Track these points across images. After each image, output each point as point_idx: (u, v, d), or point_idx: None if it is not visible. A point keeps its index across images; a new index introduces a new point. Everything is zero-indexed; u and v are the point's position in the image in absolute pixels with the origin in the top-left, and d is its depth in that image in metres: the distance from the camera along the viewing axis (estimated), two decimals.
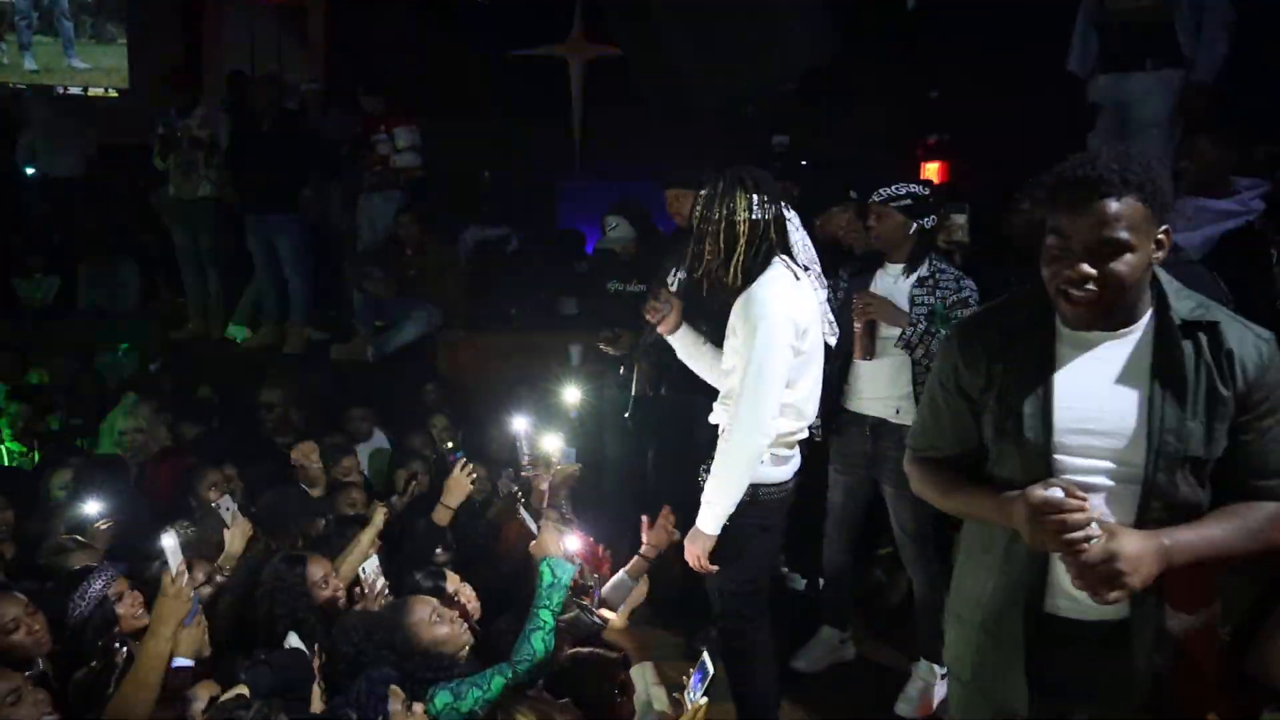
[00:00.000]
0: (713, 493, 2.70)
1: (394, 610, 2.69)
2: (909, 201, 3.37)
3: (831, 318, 2.91)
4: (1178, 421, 1.68)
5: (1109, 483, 1.74)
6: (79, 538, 3.15)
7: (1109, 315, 1.72)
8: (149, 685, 2.27)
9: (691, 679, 2.31)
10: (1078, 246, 1.65)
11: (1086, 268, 1.65)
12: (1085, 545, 1.61)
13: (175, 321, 6.61)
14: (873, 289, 3.46)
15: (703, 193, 2.72)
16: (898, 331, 3.36)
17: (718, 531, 2.72)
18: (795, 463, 2.88)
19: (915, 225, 3.39)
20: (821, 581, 4.18)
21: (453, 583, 2.97)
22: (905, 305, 3.38)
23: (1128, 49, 4.34)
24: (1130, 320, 1.73)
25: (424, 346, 6.12)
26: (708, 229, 2.69)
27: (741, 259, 2.68)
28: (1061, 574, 1.74)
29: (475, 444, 4.92)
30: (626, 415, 4.34)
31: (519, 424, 3.68)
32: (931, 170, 6.29)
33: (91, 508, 3.38)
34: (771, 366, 2.63)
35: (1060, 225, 1.67)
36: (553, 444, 3.80)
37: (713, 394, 4.00)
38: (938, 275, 3.38)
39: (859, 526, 3.69)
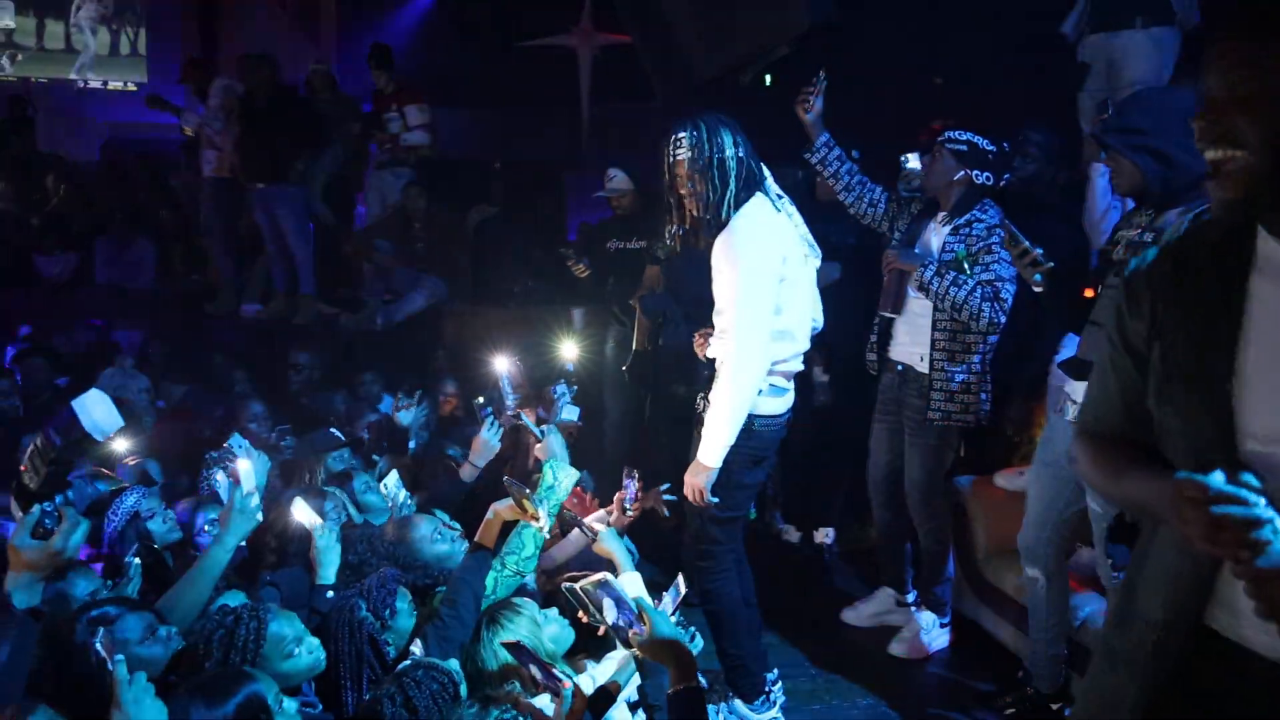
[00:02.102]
0: (713, 424, 2.74)
1: (399, 526, 2.79)
2: (964, 148, 3.34)
3: (812, 241, 2.98)
4: None
5: None
6: (106, 470, 3.25)
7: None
8: (202, 589, 2.32)
9: (665, 598, 2.41)
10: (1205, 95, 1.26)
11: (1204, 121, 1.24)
12: (1248, 551, 1.11)
13: (194, 298, 6.76)
14: (921, 238, 3.44)
15: (682, 135, 2.74)
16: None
17: (718, 464, 2.75)
18: (790, 397, 2.95)
19: (964, 173, 3.34)
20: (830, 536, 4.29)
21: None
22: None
23: (1118, 7, 4.39)
24: None
25: (431, 318, 6.24)
26: (697, 169, 2.75)
27: (734, 193, 2.75)
28: (1226, 580, 1.27)
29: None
30: (625, 369, 4.44)
31: (500, 364, 3.75)
32: None
33: (119, 444, 3.48)
34: (760, 294, 2.72)
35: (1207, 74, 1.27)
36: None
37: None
38: (973, 224, 3.31)
39: (899, 479, 3.62)
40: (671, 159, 2.78)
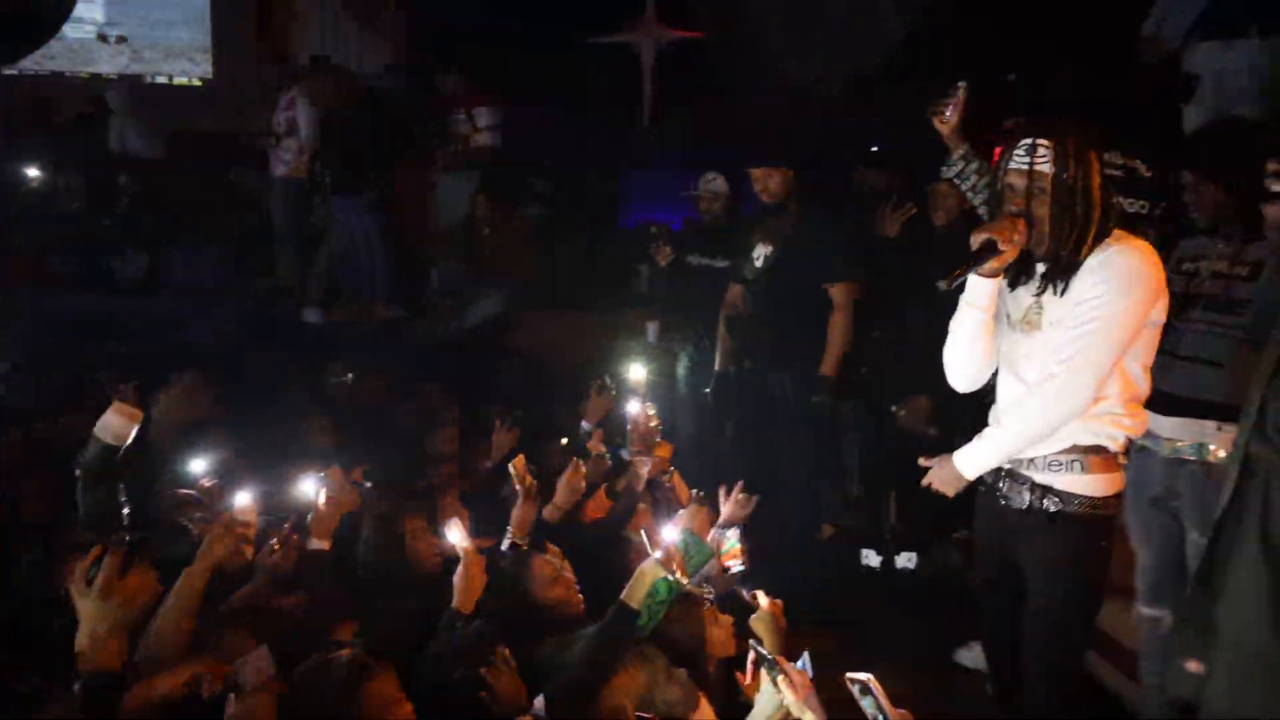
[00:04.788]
0: (1000, 433, 2.33)
1: (516, 562, 2.73)
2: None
3: None
4: None
5: None
6: (191, 492, 3.24)
7: None
8: (176, 612, 2.26)
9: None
10: None
11: None
12: None
13: (266, 300, 6.78)
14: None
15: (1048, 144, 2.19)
16: None
17: (971, 476, 2.39)
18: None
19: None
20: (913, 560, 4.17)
21: (555, 556, 2.86)
22: None
23: (1232, 14, 4.18)
24: None
25: (501, 324, 6.20)
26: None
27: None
28: None
29: (546, 422, 4.96)
30: (708, 390, 4.36)
31: (633, 406, 3.65)
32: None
33: (197, 465, 3.47)
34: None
35: None
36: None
37: (797, 370, 4.03)
38: None
39: None
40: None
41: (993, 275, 2.23)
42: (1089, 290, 2.17)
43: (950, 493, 2.42)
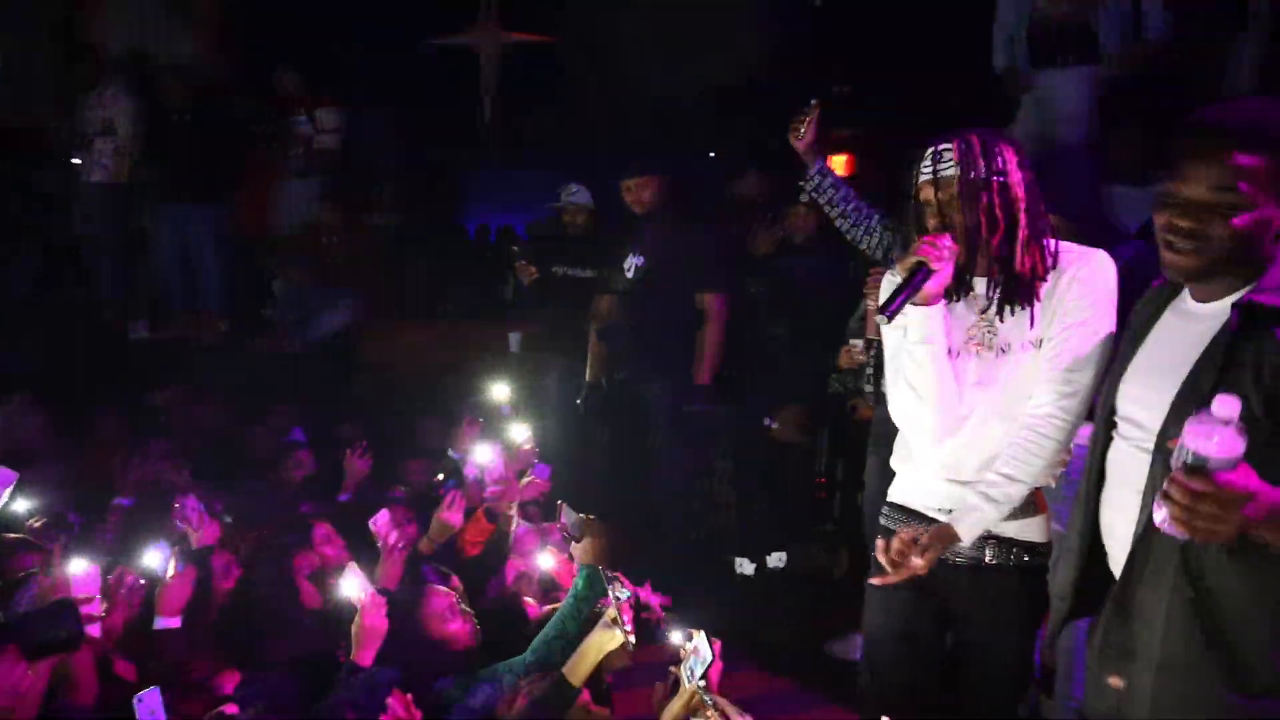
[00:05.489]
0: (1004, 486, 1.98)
1: (410, 597, 2.59)
2: None
3: None
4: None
5: None
6: (22, 536, 2.91)
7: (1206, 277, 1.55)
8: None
9: (689, 660, 2.18)
10: (1183, 198, 1.52)
11: (1186, 222, 1.51)
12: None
13: (74, 314, 6.17)
14: None
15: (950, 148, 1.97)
16: None
17: (970, 541, 2.02)
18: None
19: None
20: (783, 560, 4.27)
21: (451, 589, 2.78)
22: None
23: (1049, 46, 4.54)
24: (1232, 290, 1.55)
25: (351, 338, 5.92)
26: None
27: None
28: None
29: (403, 437, 4.79)
30: (579, 402, 4.33)
31: (481, 454, 3.51)
32: (838, 162, 6.46)
33: (20, 505, 3.13)
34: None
35: (1175, 171, 1.53)
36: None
37: (670, 379, 4.06)
38: None
39: None
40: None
41: (934, 301, 1.96)
42: (1073, 314, 1.93)
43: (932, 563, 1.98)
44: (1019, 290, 1.95)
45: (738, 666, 2.93)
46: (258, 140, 6.21)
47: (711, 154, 6.41)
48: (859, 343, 3.39)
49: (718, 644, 2.11)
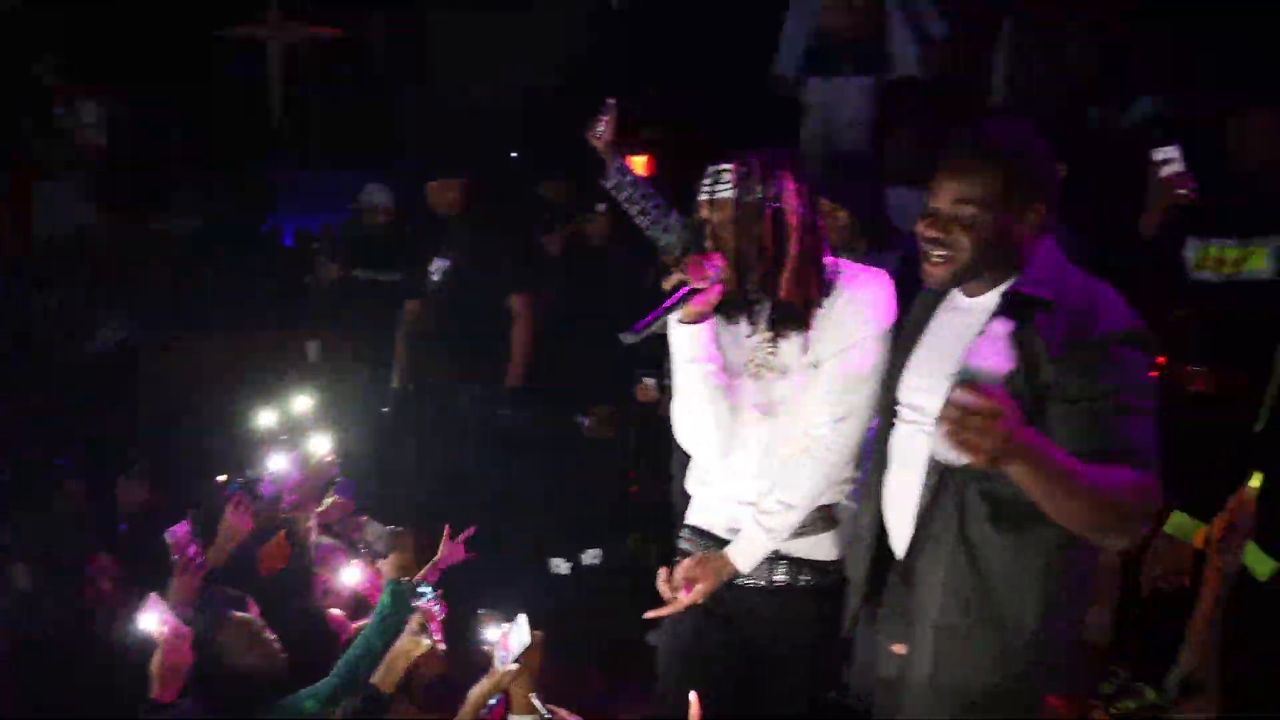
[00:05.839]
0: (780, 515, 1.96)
1: (209, 621, 2.39)
2: None
3: None
4: None
5: None
6: None
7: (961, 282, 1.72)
8: None
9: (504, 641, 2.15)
10: (933, 208, 1.69)
11: (935, 232, 1.68)
12: None
13: None
14: None
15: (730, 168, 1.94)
16: None
17: (746, 570, 1.99)
18: None
19: None
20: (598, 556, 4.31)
21: (249, 615, 2.55)
22: None
23: (831, 57, 4.81)
24: (997, 284, 1.71)
25: (127, 354, 5.46)
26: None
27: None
28: None
29: (191, 458, 4.48)
30: (386, 410, 4.21)
31: (276, 463, 3.32)
32: (639, 162, 6.59)
33: None
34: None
35: (931, 185, 1.71)
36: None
37: (480, 384, 4.01)
38: None
39: None
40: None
41: (699, 320, 1.90)
42: (848, 335, 1.92)
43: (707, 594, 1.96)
44: (790, 317, 1.93)
45: (558, 664, 2.98)
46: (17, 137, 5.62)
47: (514, 155, 6.38)
48: (651, 381, 3.46)
49: (540, 635, 2.10)
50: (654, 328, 1.84)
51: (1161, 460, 1.57)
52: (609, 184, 3.46)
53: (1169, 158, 2.59)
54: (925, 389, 1.77)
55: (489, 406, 4.00)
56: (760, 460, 1.99)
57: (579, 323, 4.53)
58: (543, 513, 4.66)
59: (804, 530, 1.97)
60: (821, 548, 2.00)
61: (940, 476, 1.71)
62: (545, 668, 2.14)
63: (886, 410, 1.87)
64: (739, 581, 1.99)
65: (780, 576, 1.99)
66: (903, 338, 1.88)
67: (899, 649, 1.78)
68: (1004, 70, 4.37)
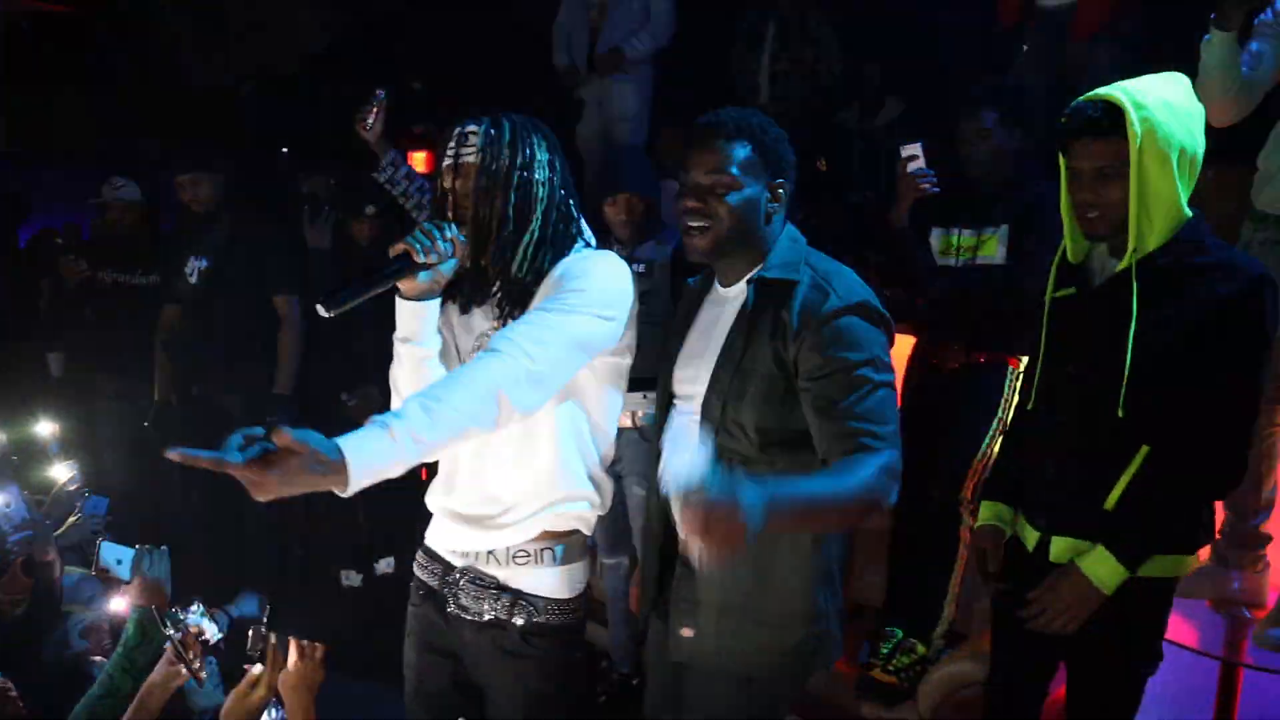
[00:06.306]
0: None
1: None
2: None
3: None
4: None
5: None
6: None
7: (720, 256, 1.77)
8: None
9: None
10: (691, 183, 1.73)
11: (694, 202, 1.72)
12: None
13: None
14: None
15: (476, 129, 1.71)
16: None
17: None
18: None
19: None
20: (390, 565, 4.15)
21: None
22: None
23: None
24: (747, 272, 1.78)
25: None
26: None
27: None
28: None
29: None
30: (147, 424, 3.85)
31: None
32: (418, 159, 6.42)
33: None
34: None
35: (685, 161, 1.75)
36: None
37: (246, 392, 3.74)
38: None
39: None
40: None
41: (420, 297, 1.69)
42: (555, 296, 1.66)
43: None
44: (520, 298, 1.71)
45: (351, 677, 2.86)
46: None
47: (283, 148, 6.03)
48: None
49: (321, 649, 1.96)
50: (354, 300, 1.56)
51: (900, 430, 1.64)
52: (381, 177, 3.35)
53: (913, 154, 2.80)
54: (692, 379, 1.83)
55: (259, 416, 3.74)
56: (475, 460, 1.75)
57: (351, 320, 4.33)
58: (328, 523, 4.45)
59: (523, 560, 1.73)
60: (548, 582, 1.75)
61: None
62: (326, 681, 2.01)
63: (664, 405, 1.92)
64: (451, 613, 1.77)
65: (492, 612, 1.74)
66: (672, 335, 1.94)
67: (687, 632, 1.84)
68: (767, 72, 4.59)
